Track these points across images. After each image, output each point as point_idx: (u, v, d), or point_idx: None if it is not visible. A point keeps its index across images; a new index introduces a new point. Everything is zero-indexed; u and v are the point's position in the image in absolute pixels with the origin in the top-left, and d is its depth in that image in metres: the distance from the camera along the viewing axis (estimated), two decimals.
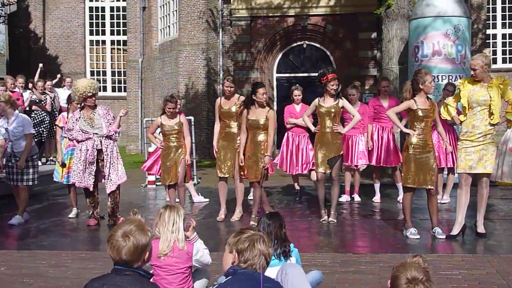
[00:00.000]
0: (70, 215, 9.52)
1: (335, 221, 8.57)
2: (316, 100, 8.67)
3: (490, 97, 7.20)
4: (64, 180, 9.45)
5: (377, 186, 10.53)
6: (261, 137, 8.55)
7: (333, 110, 8.46)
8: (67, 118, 9.37)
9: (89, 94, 8.53)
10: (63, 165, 9.35)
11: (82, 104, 8.72)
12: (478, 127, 7.26)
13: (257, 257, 3.25)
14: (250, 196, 10.17)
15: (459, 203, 7.46)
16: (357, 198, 10.60)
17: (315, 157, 8.74)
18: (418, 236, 7.50)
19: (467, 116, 7.35)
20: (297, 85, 10.98)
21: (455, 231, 7.48)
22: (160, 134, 9.57)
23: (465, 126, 7.37)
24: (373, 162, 10.19)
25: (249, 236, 3.32)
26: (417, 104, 7.47)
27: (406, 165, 7.61)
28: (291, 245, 4.86)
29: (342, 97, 8.68)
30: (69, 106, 9.62)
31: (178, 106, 10.29)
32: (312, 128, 8.87)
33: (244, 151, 8.64)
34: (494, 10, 23.45)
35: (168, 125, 8.96)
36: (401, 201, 9.94)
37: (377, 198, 10.48)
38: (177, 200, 9.14)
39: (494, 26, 23.60)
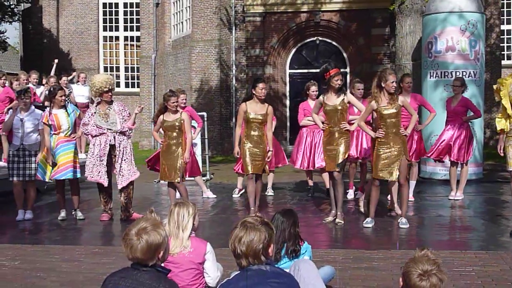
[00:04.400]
0: (60, 217, 8.99)
1: (342, 222, 8.16)
2: (320, 97, 8.25)
3: None
4: (57, 176, 8.78)
5: (412, 183, 9.69)
6: (260, 132, 8.50)
7: (339, 107, 8.03)
8: (51, 113, 8.80)
9: (105, 90, 8.60)
10: (53, 164, 8.78)
11: (98, 99, 8.80)
12: None
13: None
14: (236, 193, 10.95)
15: None
16: (360, 195, 10.02)
17: (324, 156, 8.38)
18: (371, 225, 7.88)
19: None
20: (313, 81, 10.86)
21: None
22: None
23: None
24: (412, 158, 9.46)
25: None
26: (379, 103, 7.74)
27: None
28: (305, 242, 4.83)
29: (346, 92, 8.25)
30: (52, 102, 8.99)
31: (183, 100, 10.30)
32: (321, 125, 8.34)
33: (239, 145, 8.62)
34: (509, 5, 23.28)
35: (169, 121, 8.71)
36: (412, 199, 9.81)
37: (410, 197, 9.64)
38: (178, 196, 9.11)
39: (509, 22, 23.42)
